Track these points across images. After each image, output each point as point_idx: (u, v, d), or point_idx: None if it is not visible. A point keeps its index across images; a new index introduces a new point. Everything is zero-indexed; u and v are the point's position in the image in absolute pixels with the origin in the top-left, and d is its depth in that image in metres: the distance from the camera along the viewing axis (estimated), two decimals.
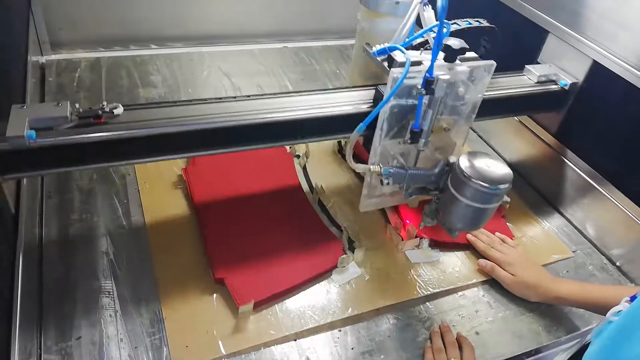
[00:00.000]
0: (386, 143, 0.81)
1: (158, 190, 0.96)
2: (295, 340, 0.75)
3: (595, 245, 1.01)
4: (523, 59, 1.09)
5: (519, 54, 1.13)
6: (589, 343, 0.57)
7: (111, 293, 0.77)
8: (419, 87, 0.73)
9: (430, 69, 0.72)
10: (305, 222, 0.93)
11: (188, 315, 0.75)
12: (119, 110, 0.72)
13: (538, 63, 1.10)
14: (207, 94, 1.26)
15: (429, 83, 0.72)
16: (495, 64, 0.80)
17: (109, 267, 0.81)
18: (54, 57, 1.31)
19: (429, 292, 0.84)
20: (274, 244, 0.87)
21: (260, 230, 0.90)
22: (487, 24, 0.94)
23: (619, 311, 0.57)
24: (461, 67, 0.77)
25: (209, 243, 0.85)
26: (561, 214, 1.08)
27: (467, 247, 0.94)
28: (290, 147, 1.10)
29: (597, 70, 0.98)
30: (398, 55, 0.78)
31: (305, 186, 1.02)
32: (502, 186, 0.71)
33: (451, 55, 0.77)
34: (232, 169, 1.01)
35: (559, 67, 1.06)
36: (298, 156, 1.09)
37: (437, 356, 0.74)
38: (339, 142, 1.15)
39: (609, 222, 0.98)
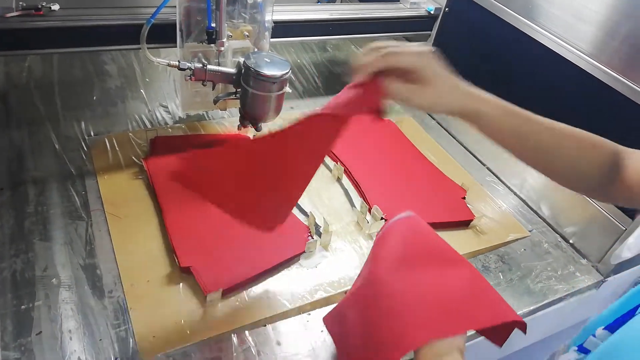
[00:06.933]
0: (190, 45, 0.92)
1: (118, 180, 0.93)
2: (265, 326, 0.75)
3: (549, 224, 1.06)
4: None
5: None
6: None
7: (72, 286, 0.74)
8: None
9: None
10: None
11: (154, 306, 0.74)
12: (56, 6, 0.89)
13: None
14: None
15: None
16: None
17: (69, 260, 0.78)
18: None
19: None
20: (240, 231, 0.86)
21: (225, 216, 0.89)
22: None
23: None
24: None
25: (172, 232, 0.83)
26: (517, 195, 1.12)
27: (435, 228, 0.96)
28: (254, 135, 1.09)
29: None
30: None
31: None
32: (278, 74, 0.85)
33: None
34: (193, 156, 0.99)
35: None
36: None
37: None
38: None
39: (562, 201, 1.03)
